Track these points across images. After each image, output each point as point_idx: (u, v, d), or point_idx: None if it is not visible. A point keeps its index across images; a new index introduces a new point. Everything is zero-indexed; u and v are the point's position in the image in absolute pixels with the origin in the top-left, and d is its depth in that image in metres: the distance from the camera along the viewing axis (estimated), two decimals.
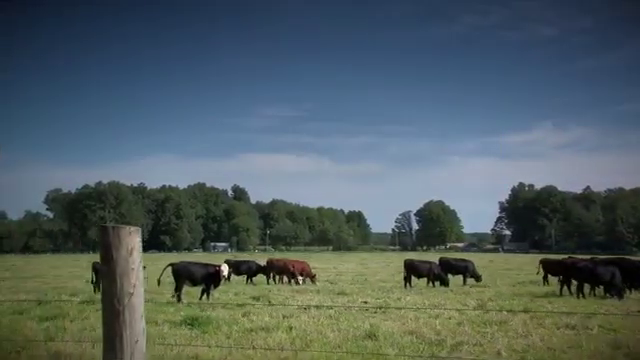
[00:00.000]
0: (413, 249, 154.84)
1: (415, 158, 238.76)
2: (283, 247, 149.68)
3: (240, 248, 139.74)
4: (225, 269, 16.90)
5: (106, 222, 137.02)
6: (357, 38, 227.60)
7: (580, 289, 16.19)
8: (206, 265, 17.22)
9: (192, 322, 10.93)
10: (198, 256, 69.98)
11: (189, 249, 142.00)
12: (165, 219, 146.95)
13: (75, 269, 45.04)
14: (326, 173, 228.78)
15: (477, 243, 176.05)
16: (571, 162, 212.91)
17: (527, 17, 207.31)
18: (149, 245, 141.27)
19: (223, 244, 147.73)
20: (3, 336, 8.38)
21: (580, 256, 24.13)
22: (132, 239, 2.71)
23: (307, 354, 7.28)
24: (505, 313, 12.34)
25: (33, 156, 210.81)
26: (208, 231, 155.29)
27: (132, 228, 2.73)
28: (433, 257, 34.82)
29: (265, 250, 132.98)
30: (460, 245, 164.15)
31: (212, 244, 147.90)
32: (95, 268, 19.86)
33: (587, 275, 16.20)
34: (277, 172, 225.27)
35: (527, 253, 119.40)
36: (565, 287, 17.42)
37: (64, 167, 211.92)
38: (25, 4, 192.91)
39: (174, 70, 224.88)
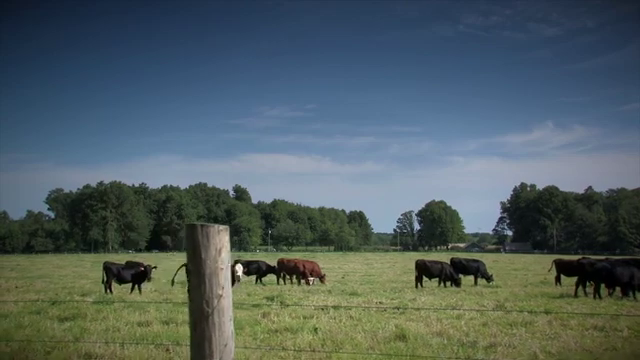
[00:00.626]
0: (415, 249, 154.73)
1: (416, 158, 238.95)
2: (285, 247, 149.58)
3: (242, 248, 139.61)
4: (239, 269, 16.78)
5: (107, 222, 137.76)
6: (359, 39, 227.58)
7: (597, 290, 16.05)
8: None
9: None
10: None
11: None
12: (167, 219, 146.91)
13: (79, 269, 44.96)
14: (327, 173, 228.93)
15: (478, 243, 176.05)
16: (572, 162, 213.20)
17: (528, 18, 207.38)
18: (151, 245, 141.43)
19: None
20: (30, 336, 8.26)
21: (594, 257, 23.96)
22: (221, 238, 2.60)
23: (341, 356, 7.17)
24: (526, 314, 12.21)
25: (34, 156, 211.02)
26: None
27: (221, 227, 2.61)
28: (436, 257, 34.75)
29: (267, 250, 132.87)
30: (462, 245, 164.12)
31: None
32: (106, 268, 19.72)
33: (605, 276, 16.06)
34: (278, 172, 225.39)
35: (529, 253, 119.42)
36: (578, 288, 17.34)
37: (65, 167, 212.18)
38: (26, 4, 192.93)
39: (176, 70, 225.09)
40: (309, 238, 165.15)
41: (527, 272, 38.10)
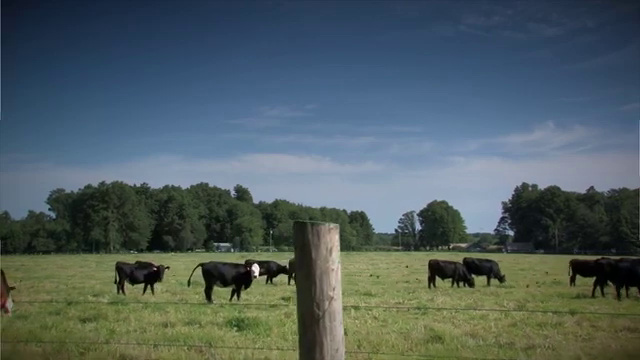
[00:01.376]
0: (416, 249, 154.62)
1: (417, 158, 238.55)
2: (286, 247, 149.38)
3: (243, 248, 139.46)
4: (256, 269, 16.64)
5: (109, 222, 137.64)
6: (359, 39, 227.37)
7: (618, 291, 15.91)
8: (237, 265, 16.97)
9: (238, 324, 10.68)
10: (208, 256, 69.74)
11: (192, 249, 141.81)
12: (168, 219, 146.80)
13: (85, 269, 44.78)
14: (328, 173, 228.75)
15: (480, 243, 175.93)
16: (573, 162, 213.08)
17: (529, 18, 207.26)
18: (152, 245, 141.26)
19: (226, 244, 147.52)
20: (59, 337, 8.12)
21: (613, 257, 23.77)
22: (332, 237, 2.46)
23: (382, 357, 7.03)
24: (550, 314, 12.08)
25: (35, 156, 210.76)
26: (211, 231, 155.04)
27: (331, 225, 2.47)
28: (438, 257, 34.46)
29: (268, 250, 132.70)
30: (463, 245, 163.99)
31: (215, 244, 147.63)
32: (119, 268, 19.57)
33: (626, 276, 15.92)
34: (279, 172, 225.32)
35: (531, 253, 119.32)
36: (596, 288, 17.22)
37: (66, 167, 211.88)
38: (26, 4, 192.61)
39: (176, 70, 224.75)
40: None
41: (535, 272, 37.97)
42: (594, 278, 17.79)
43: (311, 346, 2.44)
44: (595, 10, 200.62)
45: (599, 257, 20.53)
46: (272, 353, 7.34)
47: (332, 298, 2.45)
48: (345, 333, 9.93)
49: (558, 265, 47.34)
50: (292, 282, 25.30)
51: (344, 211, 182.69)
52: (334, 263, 2.46)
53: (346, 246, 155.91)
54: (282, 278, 26.50)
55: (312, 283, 2.43)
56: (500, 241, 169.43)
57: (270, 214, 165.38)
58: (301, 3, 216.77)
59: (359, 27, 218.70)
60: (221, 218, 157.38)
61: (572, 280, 21.54)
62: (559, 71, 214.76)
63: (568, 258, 31.17)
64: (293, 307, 13.92)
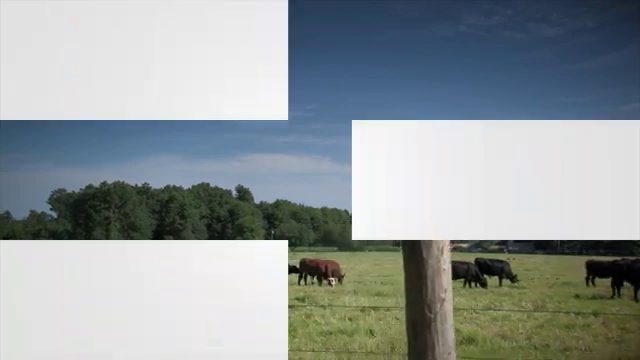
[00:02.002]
0: None
1: None
2: (287, 248, 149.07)
3: None
4: None
5: (110, 222, 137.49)
6: (359, 39, 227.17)
7: (636, 291, 15.79)
8: None
9: None
10: None
11: None
12: (169, 219, 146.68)
13: None
14: (328, 173, 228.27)
15: (481, 244, 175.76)
16: None
17: (529, 18, 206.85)
18: None
19: None
20: None
21: (599, 257, 23.68)
22: None
23: None
24: (573, 315, 11.96)
25: (35, 156, 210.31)
26: (212, 231, 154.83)
27: None
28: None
29: None
30: (465, 246, 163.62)
31: None
32: None
33: None
34: (280, 172, 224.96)
35: (532, 254, 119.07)
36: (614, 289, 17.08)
37: (66, 167, 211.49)
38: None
39: None
40: (312, 238, 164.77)
41: (542, 272, 37.80)
42: (606, 279, 17.70)
43: (422, 350, 2.30)
44: (595, 10, 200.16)
45: (616, 258, 20.37)
46: (306, 354, 7.21)
47: (444, 300, 2.31)
48: (372, 334, 9.80)
49: (561, 265, 47.30)
50: (302, 282, 25.19)
51: (345, 211, 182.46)
52: (445, 263, 2.33)
53: (348, 246, 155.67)
54: (291, 278, 26.36)
55: (423, 284, 2.30)
56: (501, 241, 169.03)
57: (271, 214, 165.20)
58: (301, 3, 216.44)
59: (359, 27, 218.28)
60: (222, 218, 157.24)
61: (591, 281, 21.32)
62: (559, 71, 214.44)
63: (570, 258, 31.09)
64: (311, 307, 13.82)
